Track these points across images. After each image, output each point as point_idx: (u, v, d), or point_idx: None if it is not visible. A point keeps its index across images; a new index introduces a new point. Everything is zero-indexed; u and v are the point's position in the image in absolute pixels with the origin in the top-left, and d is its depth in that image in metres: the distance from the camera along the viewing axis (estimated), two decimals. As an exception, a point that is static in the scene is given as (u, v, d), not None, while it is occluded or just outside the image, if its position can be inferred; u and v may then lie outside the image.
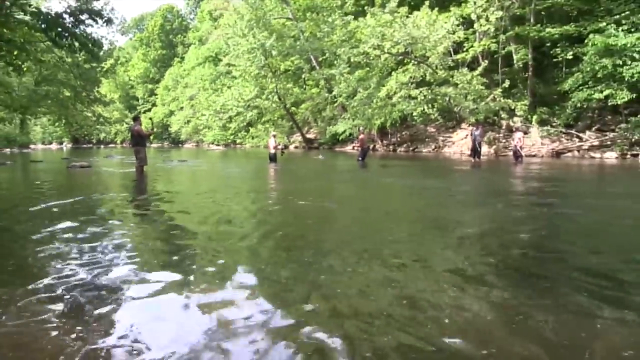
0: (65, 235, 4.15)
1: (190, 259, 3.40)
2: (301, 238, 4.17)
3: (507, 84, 20.65)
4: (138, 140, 11.43)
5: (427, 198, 7.10)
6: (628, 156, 16.92)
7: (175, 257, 3.46)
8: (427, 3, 22.23)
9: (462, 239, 4.05)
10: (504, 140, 21.79)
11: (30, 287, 2.72)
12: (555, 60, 19.71)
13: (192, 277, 2.93)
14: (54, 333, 2.09)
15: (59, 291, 2.64)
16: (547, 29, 19.40)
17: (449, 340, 1.97)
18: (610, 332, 2.07)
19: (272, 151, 15.24)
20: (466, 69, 22.05)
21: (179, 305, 2.46)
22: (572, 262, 3.30)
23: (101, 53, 24.69)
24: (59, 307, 2.40)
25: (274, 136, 16.26)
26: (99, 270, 3.04)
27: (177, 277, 2.93)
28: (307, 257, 3.39)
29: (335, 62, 28.02)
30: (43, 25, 16.92)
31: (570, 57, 18.65)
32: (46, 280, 2.86)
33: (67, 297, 2.54)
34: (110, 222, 4.93)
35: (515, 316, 2.25)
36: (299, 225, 4.84)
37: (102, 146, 67.53)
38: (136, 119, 12.04)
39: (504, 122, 22.31)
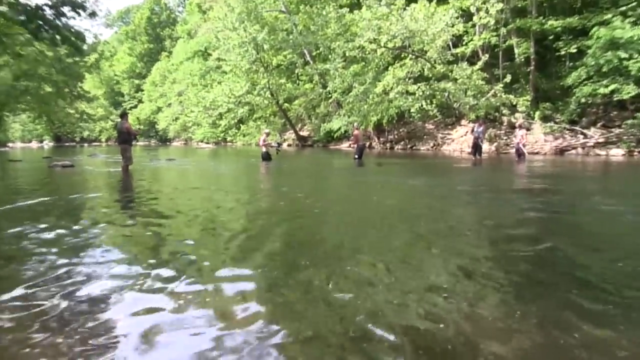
0: (44, 237, 4.01)
1: (177, 264, 3.26)
2: (293, 242, 4.04)
3: (508, 79, 20.58)
4: (126, 137, 11.53)
5: (430, 199, 6.97)
6: (635, 153, 16.89)
7: (160, 261, 3.33)
8: (425, -5, 22.19)
9: (467, 243, 3.93)
10: (505, 137, 21.78)
11: (5, 296, 2.60)
12: (558, 54, 19.69)
13: (177, 282, 2.84)
14: (32, 344, 2.03)
15: (36, 298, 2.55)
16: (550, 22, 19.38)
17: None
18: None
19: (264, 149, 15.11)
20: (466, 63, 21.97)
21: (166, 312, 2.40)
22: (573, 268, 3.19)
23: (84, 47, 24.40)
24: (35, 314, 2.34)
25: (267, 134, 16.09)
26: (78, 275, 2.94)
27: (162, 282, 2.84)
28: (304, 260, 3.26)
29: (329, 56, 27.85)
30: (22, 17, 16.61)
31: (574, 50, 18.62)
32: (21, 288, 2.73)
33: (44, 303, 2.46)
34: (92, 223, 4.79)
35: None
36: (291, 228, 4.69)
37: (85, 144, 66.75)
38: (124, 115, 12.12)
39: (505, 119, 22.27)
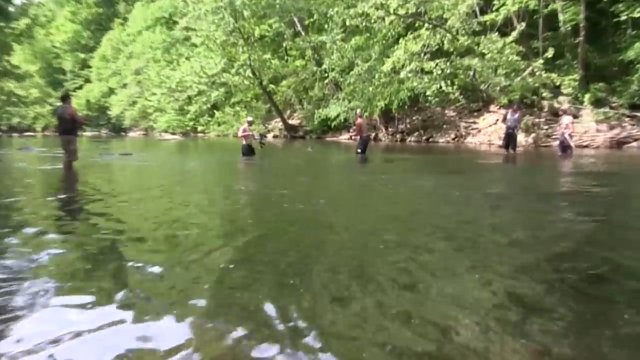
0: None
1: (104, 292, 3.13)
2: (258, 263, 3.88)
3: (550, 53, 20.52)
4: (70, 126, 11.37)
5: (449, 205, 6.85)
6: None
7: (81, 290, 3.20)
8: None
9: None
10: (546, 127, 21.81)
11: None
12: (616, 20, 19.63)
13: (122, 310, 2.80)
14: None
15: None
16: (606, -21, 19.32)
17: None
18: None
19: (244, 142, 15.01)
20: (496, 34, 21.95)
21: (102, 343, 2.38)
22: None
23: (11, 9, 24.04)
24: None
25: (250, 123, 15.97)
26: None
27: (103, 306, 2.86)
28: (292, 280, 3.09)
29: (325, 26, 27.85)
30: None
31: (638, 15, 18.45)
32: None
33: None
34: (18, 234, 4.76)
35: None
36: (272, 236, 4.55)
37: (15, 134, 66.23)
38: (66, 98, 11.94)
39: (546, 103, 22.30)
